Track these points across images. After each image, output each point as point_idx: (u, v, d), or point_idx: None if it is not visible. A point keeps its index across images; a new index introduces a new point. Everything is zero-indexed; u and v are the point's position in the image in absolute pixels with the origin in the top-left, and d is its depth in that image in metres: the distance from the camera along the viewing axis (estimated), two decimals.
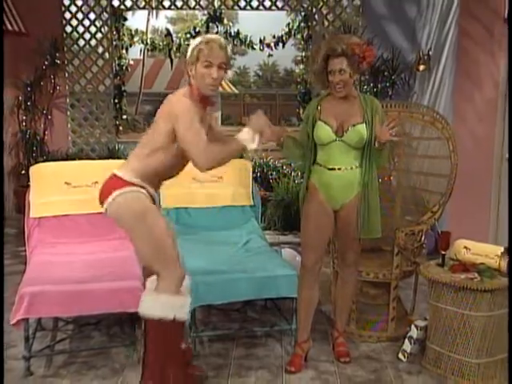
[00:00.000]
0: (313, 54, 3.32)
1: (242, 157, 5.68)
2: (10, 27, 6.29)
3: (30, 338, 3.22)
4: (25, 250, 3.96)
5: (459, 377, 3.13)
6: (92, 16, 6.78)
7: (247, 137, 2.70)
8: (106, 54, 6.87)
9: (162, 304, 2.67)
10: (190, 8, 6.91)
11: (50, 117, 6.88)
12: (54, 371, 3.22)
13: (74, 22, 6.77)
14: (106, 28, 6.80)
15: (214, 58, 2.62)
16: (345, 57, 3.03)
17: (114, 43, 6.90)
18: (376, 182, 3.26)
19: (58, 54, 6.65)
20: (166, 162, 2.75)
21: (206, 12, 6.96)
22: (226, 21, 7.04)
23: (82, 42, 6.82)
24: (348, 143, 3.13)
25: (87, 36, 6.81)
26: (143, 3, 6.82)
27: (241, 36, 7.02)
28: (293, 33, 6.90)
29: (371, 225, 3.22)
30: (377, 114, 3.14)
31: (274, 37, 6.99)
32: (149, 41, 7.20)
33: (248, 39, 7.01)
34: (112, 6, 6.77)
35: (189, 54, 2.69)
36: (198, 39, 2.72)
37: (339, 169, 3.15)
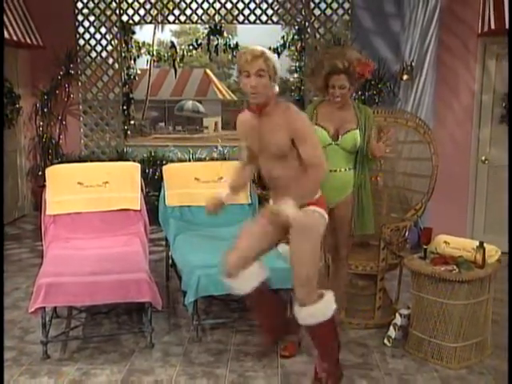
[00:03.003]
0: (314, 66, 3.23)
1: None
2: (29, 41, 6.31)
3: (47, 324, 3.23)
4: (42, 245, 3.96)
5: (438, 359, 3.15)
6: (103, 30, 6.76)
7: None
8: (116, 65, 6.84)
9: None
10: (192, 22, 6.91)
11: (64, 122, 6.85)
12: (68, 355, 3.23)
13: (87, 36, 6.75)
14: (116, 41, 6.79)
15: (250, 68, 2.48)
16: (346, 74, 3.01)
17: (123, 55, 6.87)
18: (368, 183, 3.27)
19: (72, 65, 6.63)
20: None
21: (207, 26, 6.95)
22: (225, 34, 7.00)
23: (93, 54, 6.80)
24: (343, 147, 3.13)
25: (99, 48, 6.79)
26: (150, 18, 6.83)
27: (240, 48, 7.00)
28: (287, 45, 6.88)
29: (365, 222, 3.24)
30: (369, 122, 3.16)
31: (270, 48, 6.96)
32: (155, 52, 7.17)
33: None
34: (121, 20, 6.76)
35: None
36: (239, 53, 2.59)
37: (335, 170, 3.15)
